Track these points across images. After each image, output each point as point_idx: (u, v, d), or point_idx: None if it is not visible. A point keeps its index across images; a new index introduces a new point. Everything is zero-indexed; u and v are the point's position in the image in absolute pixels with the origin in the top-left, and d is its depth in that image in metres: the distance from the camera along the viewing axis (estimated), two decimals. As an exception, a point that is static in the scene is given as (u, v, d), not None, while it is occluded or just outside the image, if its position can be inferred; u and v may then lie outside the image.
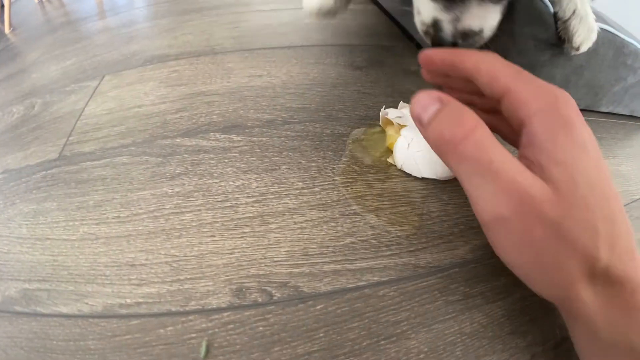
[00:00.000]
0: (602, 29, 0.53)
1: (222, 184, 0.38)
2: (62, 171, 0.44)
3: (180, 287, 0.32)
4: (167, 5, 0.96)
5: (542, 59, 0.50)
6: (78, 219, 0.38)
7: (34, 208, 0.41)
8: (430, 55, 0.31)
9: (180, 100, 0.50)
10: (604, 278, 0.22)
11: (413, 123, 0.39)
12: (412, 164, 0.38)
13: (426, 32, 0.35)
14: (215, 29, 0.71)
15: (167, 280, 0.32)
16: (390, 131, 0.41)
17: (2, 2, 1.94)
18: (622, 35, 0.56)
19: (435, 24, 0.33)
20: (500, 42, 0.34)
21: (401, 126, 0.39)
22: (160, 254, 0.34)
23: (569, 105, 0.25)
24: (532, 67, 0.49)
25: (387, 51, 0.59)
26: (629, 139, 0.62)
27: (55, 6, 1.59)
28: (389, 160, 0.40)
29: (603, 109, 0.64)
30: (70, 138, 0.49)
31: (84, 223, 0.38)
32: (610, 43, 0.55)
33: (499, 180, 0.23)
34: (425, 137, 0.27)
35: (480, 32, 0.32)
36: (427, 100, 0.26)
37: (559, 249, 0.22)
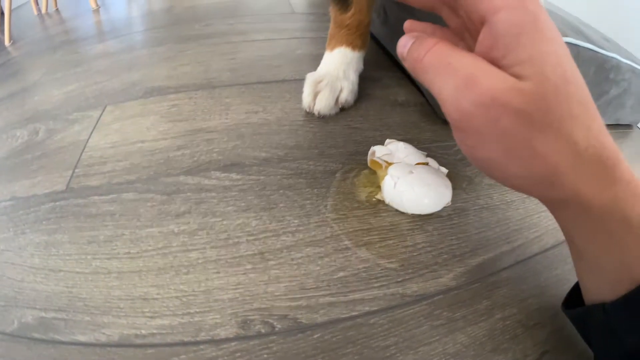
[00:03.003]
0: (584, 48, 0.56)
1: (224, 222, 0.41)
2: (70, 204, 0.47)
3: (191, 320, 0.34)
4: (165, 31, 0.99)
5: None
6: (90, 253, 0.41)
7: (45, 239, 0.43)
8: None
9: (181, 136, 0.53)
10: (586, 159, 0.23)
11: (400, 159, 0.43)
12: (399, 201, 0.41)
13: None
14: (212, 60, 0.74)
15: (178, 313, 0.35)
16: (379, 170, 0.44)
17: (1, 9, 1.95)
18: (603, 52, 0.58)
19: None
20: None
21: (388, 164, 0.43)
22: (171, 289, 0.36)
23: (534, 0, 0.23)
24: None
25: (375, 82, 0.62)
26: None
27: (55, 21, 1.59)
28: (378, 196, 0.43)
29: None
30: (77, 170, 0.52)
31: (95, 257, 0.40)
32: (591, 61, 0.58)
33: (457, 76, 0.24)
34: (406, 67, 0.29)
35: None
36: (404, 39, 0.29)
37: (533, 137, 0.23)
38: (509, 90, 0.22)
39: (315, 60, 0.59)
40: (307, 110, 0.54)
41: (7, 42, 1.43)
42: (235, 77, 0.66)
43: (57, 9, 1.84)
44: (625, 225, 0.24)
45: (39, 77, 0.90)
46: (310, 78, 0.55)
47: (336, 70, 0.54)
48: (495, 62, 0.24)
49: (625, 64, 0.63)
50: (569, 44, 0.55)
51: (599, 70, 0.60)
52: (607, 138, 0.24)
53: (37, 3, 1.93)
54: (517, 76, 0.23)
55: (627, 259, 0.25)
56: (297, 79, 0.60)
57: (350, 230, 0.40)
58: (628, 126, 0.75)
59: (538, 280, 0.38)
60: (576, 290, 0.32)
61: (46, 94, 0.80)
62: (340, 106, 0.55)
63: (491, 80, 0.23)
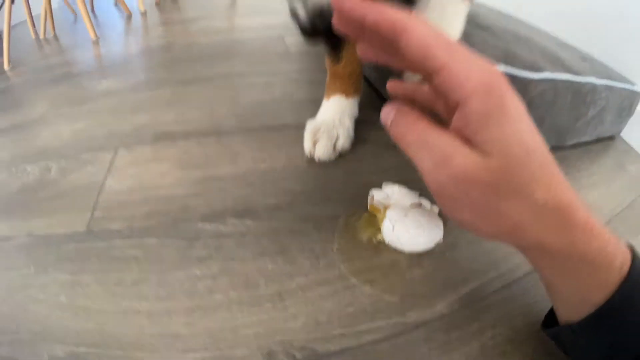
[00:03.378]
0: (560, 80, 0.60)
1: (243, 266, 0.46)
2: (92, 246, 0.50)
3: (221, 354, 0.39)
4: (167, 72, 1.03)
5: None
6: (118, 294, 0.44)
7: (69, 278, 0.46)
8: (342, 3, 0.30)
9: (196, 184, 0.58)
10: (546, 212, 0.27)
11: (397, 202, 0.48)
12: (397, 242, 0.47)
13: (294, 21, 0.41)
14: (216, 104, 0.79)
15: (209, 348, 0.39)
16: (378, 214, 0.49)
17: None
18: (578, 79, 0.63)
19: (294, 13, 0.39)
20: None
21: (386, 207, 0.48)
22: (200, 327, 0.41)
23: (501, 84, 0.27)
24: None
25: (369, 125, 0.67)
26: (595, 165, 0.70)
27: (54, 49, 1.61)
28: (378, 237, 0.48)
29: (569, 143, 0.71)
30: (96, 213, 0.55)
31: (124, 298, 0.44)
32: (568, 90, 0.62)
33: (434, 155, 0.28)
34: (390, 135, 0.32)
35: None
36: (387, 110, 0.33)
37: (499, 203, 0.27)
38: (478, 167, 0.26)
39: (312, 104, 0.65)
40: (309, 156, 0.60)
41: (6, 66, 1.45)
42: (240, 123, 0.71)
43: (54, 35, 1.86)
44: (582, 262, 0.29)
45: (45, 111, 0.93)
46: (309, 126, 0.61)
47: (332, 118, 0.60)
48: (467, 139, 0.27)
49: (601, 85, 0.67)
50: (546, 80, 0.59)
51: (575, 96, 0.64)
52: (564, 190, 0.28)
53: (34, 26, 1.94)
54: (485, 153, 0.26)
55: (586, 288, 0.30)
56: (297, 124, 0.66)
57: (356, 269, 0.46)
58: (610, 137, 0.80)
59: (524, 300, 0.43)
60: (553, 311, 0.36)
61: (54, 130, 0.83)
62: (338, 152, 0.60)
63: (463, 158, 0.27)
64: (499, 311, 0.42)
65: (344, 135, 0.60)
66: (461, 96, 0.27)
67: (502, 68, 0.55)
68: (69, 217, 0.56)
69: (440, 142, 0.28)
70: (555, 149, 0.68)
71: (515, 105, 0.27)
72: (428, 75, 0.28)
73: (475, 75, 0.26)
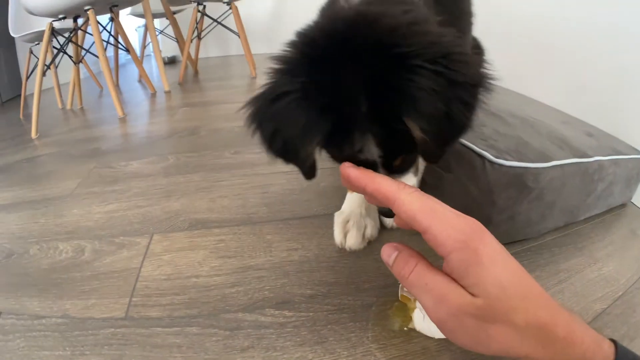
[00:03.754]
0: (567, 164, 0.64)
1: (285, 356, 0.48)
2: (132, 332, 0.53)
3: None
4: (197, 157, 1.10)
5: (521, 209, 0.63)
6: None
7: None
8: (348, 172, 0.40)
9: (233, 273, 0.62)
10: (528, 332, 0.33)
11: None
12: (427, 329, 0.50)
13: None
14: (247, 193, 0.84)
15: None
16: (408, 303, 0.53)
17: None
18: (584, 160, 0.66)
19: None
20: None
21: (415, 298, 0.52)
22: None
23: (475, 239, 0.34)
24: (512, 218, 0.62)
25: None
26: (608, 234, 0.72)
27: (81, 122, 1.70)
28: (410, 325, 0.51)
29: (581, 218, 0.74)
30: (134, 299, 0.58)
31: None
32: (575, 172, 0.66)
33: (433, 296, 0.35)
34: (392, 272, 0.40)
35: None
36: (389, 250, 0.40)
37: (487, 330, 0.33)
38: (468, 304, 0.33)
39: (337, 192, 0.70)
40: (339, 246, 0.64)
41: (33, 135, 1.53)
42: (271, 213, 0.76)
43: (81, 107, 1.95)
44: None
45: (75, 187, 0.98)
46: (338, 218, 0.65)
47: (359, 209, 0.65)
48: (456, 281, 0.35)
49: (607, 160, 0.70)
50: (555, 166, 0.62)
51: (583, 177, 0.67)
52: (543, 309, 0.34)
53: (61, 95, 2.05)
54: (471, 294, 0.33)
55: None
56: (325, 214, 0.71)
57: (390, 356, 0.48)
58: (621, 205, 0.83)
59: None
60: None
61: (86, 209, 0.87)
62: (367, 241, 0.65)
63: (456, 297, 0.34)
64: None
65: (371, 225, 0.65)
66: (443, 253, 0.34)
67: (516, 164, 0.59)
68: (107, 301, 0.58)
69: (437, 283, 0.35)
70: (569, 225, 0.72)
71: (488, 252, 0.34)
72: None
73: (453, 235, 0.34)
